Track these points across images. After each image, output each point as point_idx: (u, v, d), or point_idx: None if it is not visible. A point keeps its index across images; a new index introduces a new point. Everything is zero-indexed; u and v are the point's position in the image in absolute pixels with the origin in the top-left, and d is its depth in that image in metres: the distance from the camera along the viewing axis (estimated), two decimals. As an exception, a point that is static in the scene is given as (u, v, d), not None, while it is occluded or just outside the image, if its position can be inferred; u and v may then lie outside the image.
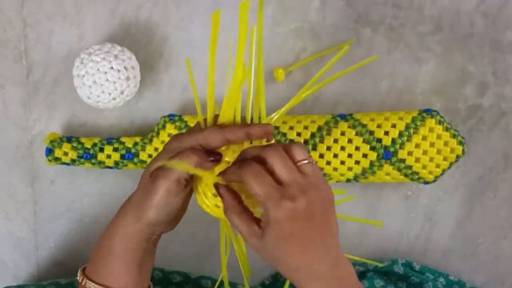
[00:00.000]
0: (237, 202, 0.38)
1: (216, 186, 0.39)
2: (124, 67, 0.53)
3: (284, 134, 0.55)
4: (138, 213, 0.41)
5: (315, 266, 0.36)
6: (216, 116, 0.42)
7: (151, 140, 0.56)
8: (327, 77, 0.44)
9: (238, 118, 0.41)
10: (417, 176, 0.55)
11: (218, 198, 0.40)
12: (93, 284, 0.41)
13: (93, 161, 0.57)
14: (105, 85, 0.52)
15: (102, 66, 0.52)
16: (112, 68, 0.52)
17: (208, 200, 0.41)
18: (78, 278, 0.43)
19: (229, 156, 0.40)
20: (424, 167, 0.54)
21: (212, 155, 0.40)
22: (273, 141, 0.42)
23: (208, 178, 0.40)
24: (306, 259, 0.36)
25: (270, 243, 0.36)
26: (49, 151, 0.56)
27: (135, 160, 0.56)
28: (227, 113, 0.41)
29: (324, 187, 0.37)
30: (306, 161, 0.37)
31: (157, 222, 0.40)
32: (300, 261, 0.36)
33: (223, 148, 0.40)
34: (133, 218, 0.41)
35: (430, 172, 0.54)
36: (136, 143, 0.56)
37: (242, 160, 0.38)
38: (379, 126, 0.54)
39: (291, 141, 0.55)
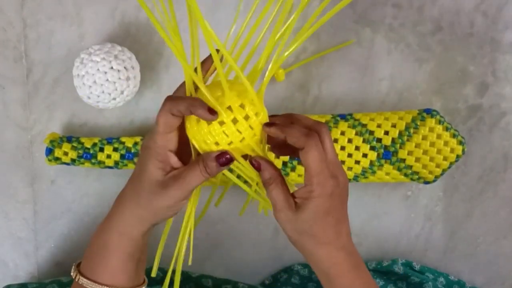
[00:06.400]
0: (279, 173, 0.39)
1: (253, 158, 0.39)
2: (124, 67, 0.53)
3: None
4: (137, 185, 0.40)
5: (342, 238, 0.39)
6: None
7: (151, 140, 0.56)
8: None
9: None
10: (417, 176, 0.55)
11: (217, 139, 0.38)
12: (86, 280, 0.41)
13: (93, 161, 0.57)
14: (105, 85, 0.52)
15: (102, 66, 0.52)
16: (112, 68, 0.52)
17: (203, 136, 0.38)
18: (72, 273, 0.42)
19: (232, 101, 0.37)
20: (424, 167, 0.54)
21: (222, 156, 0.38)
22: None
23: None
24: (336, 232, 0.39)
25: (306, 217, 0.38)
26: (49, 151, 0.56)
27: (135, 160, 0.56)
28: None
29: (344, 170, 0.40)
30: None
31: (157, 179, 0.39)
32: (331, 234, 0.39)
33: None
34: (131, 203, 0.40)
35: (430, 172, 0.54)
36: (136, 143, 0.56)
37: (306, 130, 0.38)
38: (379, 126, 0.54)
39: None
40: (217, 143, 0.38)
